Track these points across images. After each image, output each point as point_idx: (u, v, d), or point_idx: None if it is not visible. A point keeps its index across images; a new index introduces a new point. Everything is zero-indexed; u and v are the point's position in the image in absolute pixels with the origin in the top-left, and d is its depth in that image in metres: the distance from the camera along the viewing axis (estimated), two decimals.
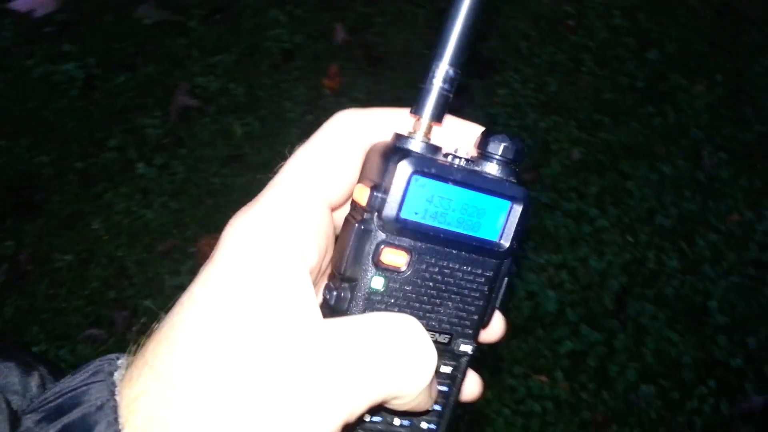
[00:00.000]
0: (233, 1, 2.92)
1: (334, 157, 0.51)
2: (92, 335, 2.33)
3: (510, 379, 2.26)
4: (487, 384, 0.62)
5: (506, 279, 0.55)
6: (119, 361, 0.47)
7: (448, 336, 0.54)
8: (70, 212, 2.59)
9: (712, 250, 2.45)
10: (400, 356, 0.44)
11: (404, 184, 0.49)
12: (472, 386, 0.60)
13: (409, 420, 0.56)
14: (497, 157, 0.52)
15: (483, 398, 2.19)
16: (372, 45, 2.85)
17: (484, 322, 0.56)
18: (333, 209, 0.52)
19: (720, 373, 2.29)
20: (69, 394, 0.45)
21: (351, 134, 0.52)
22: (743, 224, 2.49)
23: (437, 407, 0.56)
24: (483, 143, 0.53)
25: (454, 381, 0.56)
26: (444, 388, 0.56)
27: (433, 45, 0.51)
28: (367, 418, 0.54)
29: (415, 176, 0.49)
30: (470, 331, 0.55)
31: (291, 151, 0.52)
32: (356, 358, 0.43)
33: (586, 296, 2.40)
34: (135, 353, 0.46)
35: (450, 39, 0.51)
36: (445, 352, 0.54)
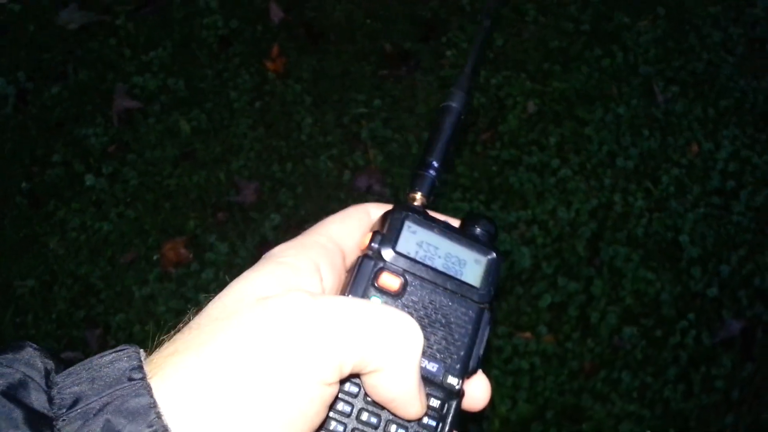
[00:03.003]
0: None
1: (349, 221, 0.62)
2: (68, 358, 2.26)
3: (495, 340, 2.27)
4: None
5: (488, 328, 0.60)
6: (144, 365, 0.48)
7: (436, 365, 0.58)
8: (23, 236, 2.50)
9: (676, 184, 2.46)
10: (386, 323, 0.50)
11: (399, 225, 0.59)
12: (479, 393, 0.61)
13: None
14: (476, 233, 0.62)
15: None
16: (311, 21, 2.77)
17: (469, 366, 0.59)
18: (346, 258, 0.61)
19: (698, 305, 2.33)
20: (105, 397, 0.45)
21: (365, 211, 0.64)
22: (703, 155, 2.51)
23: None
24: (462, 225, 0.63)
25: (444, 420, 0.58)
26: (432, 423, 0.57)
27: (424, 146, 0.65)
28: (364, 417, 0.56)
29: (408, 221, 0.59)
30: (458, 366, 0.58)
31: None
32: (343, 320, 0.49)
33: (559, 248, 2.40)
34: (159, 348, 0.50)
35: (438, 144, 0.64)
36: (433, 383, 0.57)
